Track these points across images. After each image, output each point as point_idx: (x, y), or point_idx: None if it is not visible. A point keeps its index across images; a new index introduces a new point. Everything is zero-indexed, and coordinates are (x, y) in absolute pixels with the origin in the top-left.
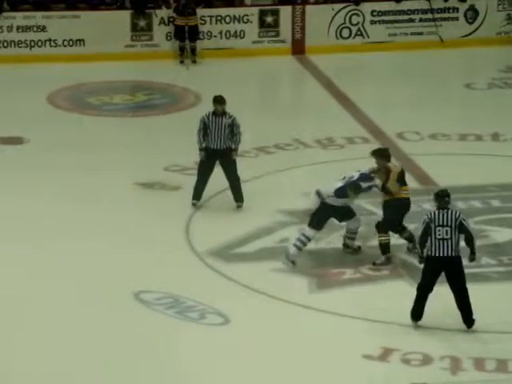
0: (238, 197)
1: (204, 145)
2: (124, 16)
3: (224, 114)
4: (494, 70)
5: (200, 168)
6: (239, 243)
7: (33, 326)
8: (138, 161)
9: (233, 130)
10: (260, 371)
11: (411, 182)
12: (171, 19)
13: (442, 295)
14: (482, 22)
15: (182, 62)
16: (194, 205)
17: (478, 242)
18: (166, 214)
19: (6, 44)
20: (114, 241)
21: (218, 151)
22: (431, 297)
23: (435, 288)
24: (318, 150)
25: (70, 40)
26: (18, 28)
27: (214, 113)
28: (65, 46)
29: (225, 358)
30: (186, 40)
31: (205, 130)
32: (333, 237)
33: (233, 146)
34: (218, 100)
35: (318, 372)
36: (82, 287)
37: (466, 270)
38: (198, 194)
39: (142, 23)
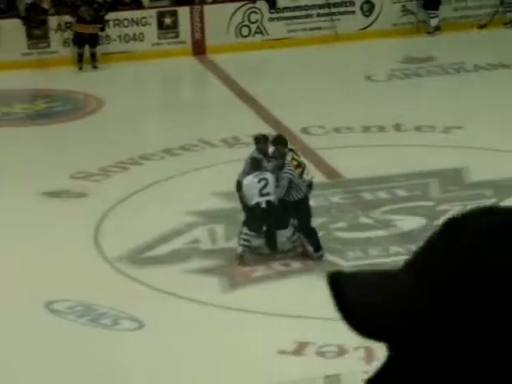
0: None
1: None
2: (18, 24)
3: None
4: (392, 61)
5: None
6: (149, 247)
7: None
8: (42, 170)
9: None
10: (176, 373)
11: (317, 176)
12: (68, 25)
13: None
14: (378, 15)
15: (80, 68)
16: None
17: (385, 232)
18: (74, 221)
19: None
20: (22, 251)
21: None
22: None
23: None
24: (225, 150)
25: None
26: None
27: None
28: None
29: (141, 363)
30: (86, 46)
31: None
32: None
33: None
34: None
35: (234, 370)
36: None
37: (374, 260)
38: None
39: (37, 31)
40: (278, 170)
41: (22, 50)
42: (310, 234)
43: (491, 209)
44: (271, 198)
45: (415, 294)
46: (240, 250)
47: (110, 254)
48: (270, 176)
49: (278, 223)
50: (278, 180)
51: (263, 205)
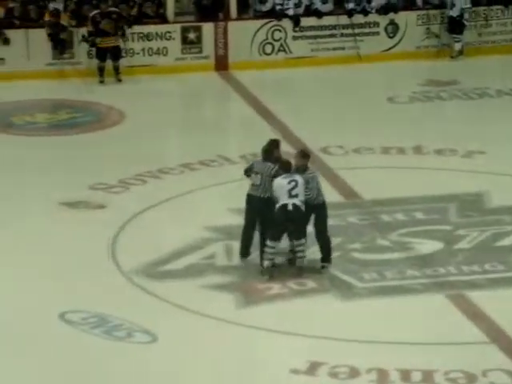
0: None
1: None
2: (44, 34)
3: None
4: (414, 83)
5: None
6: (166, 261)
7: None
8: (62, 180)
9: None
10: None
11: (336, 196)
12: (92, 39)
13: (367, 307)
14: (402, 37)
15: (101, 81)
16: None
17: (402, 255)
18: (92, 233)
19: None
20: (39, 262)
21: None
22: (357, 310)
23: (364, 301)
24: (243, 166)
25: None
26: None
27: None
28: None
29: (153, 376)
30: (108, 60)
31: None
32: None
33: None
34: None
35: None
36: (9, 311)
37: (390, 283)
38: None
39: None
40: (302, 171)
41: (46, 60)
42: (327, 242)
43: None
44: (297, 201)
45: None
46: (266, 263)
47: (126, 267)
48: (299, 178)
49: (299, 232)
50: (307, 183)
51: (289, 207)
